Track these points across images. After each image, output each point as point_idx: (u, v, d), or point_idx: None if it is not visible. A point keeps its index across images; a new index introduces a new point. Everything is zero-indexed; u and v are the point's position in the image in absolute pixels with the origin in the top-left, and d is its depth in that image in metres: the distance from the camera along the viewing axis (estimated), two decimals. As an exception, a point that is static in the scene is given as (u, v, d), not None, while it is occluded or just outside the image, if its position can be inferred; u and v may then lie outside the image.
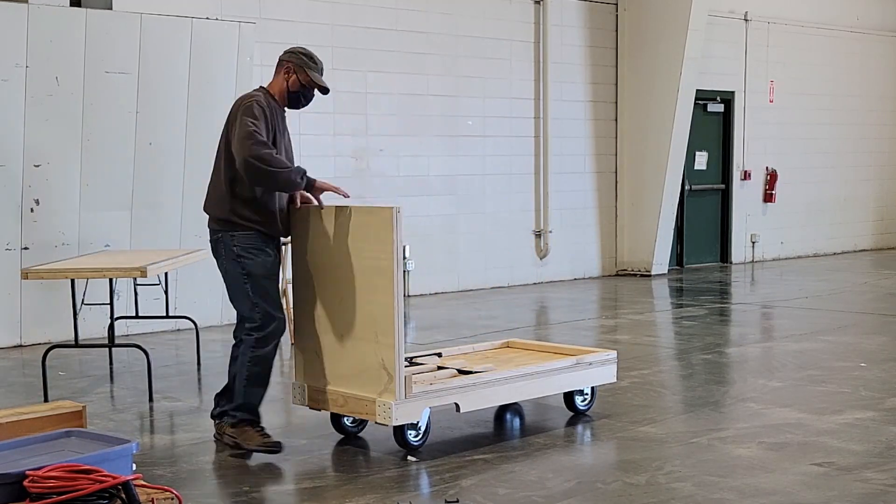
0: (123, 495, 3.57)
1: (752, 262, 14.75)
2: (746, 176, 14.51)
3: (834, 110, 15.67)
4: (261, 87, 5.42)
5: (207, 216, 5.38)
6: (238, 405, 5.26)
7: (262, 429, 5.28)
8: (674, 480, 4.67)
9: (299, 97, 5.39)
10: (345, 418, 5.47)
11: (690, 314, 10.00)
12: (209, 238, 5.39)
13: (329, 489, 4.65)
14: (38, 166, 8.30)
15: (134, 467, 3.95)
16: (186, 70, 8.86)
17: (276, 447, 5.17)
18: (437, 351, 6.14)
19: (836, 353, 7.83)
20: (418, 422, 5.14)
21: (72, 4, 8.65)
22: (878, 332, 8.84)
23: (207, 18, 9.09)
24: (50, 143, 8.34)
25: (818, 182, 15.59)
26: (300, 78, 5.33)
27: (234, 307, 5.35)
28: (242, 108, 5.14)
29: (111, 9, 8.81)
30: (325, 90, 5.40)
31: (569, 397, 5.94)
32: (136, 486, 3.63)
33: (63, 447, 4.02)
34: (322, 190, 5.34)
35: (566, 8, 12.58)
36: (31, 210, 8.32)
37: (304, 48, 5.48)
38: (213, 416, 5.45)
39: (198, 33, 8.88)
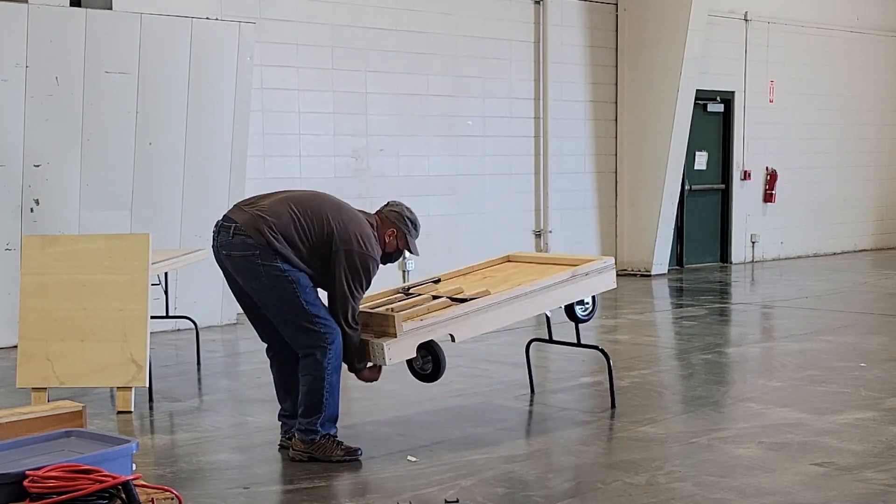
0: (123, 495, 3.57)
1: (752, 262, 14.74)
2: (746, 176, 14.50)
3: (834, 110, 15.65)
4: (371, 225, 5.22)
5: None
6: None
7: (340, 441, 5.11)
8: (674, 480, 4.67)
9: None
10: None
11: (690, 314, 9.99)
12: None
13: (329, 489, 4.65)
14: (38, 166, 8.30)
15: (134, 467, 3.95)
16: (186, 70, 8.85)
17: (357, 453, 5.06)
18: (436, 277, 6.00)
19: (836, 353, 7.83)
20: None
21: (72, 4, 8.65)
22: (878, 332, 8.83)
23: (207, 18, 9.09)
24: (50, 143, 8.34)
25: (818, 182, 15.57)
26: (399, 244, 5.34)
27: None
28: (362, 258, 5.00)
29: (111, 9, 8.80)
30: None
31: (569, 309, 5.86)
32: (136, 486, 3.63)
33: (63, 447, 4.01)
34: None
35: (566, 8, 12.58)
36: (31, 210, 8.32)
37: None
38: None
39: (198, 33, 8.88)
